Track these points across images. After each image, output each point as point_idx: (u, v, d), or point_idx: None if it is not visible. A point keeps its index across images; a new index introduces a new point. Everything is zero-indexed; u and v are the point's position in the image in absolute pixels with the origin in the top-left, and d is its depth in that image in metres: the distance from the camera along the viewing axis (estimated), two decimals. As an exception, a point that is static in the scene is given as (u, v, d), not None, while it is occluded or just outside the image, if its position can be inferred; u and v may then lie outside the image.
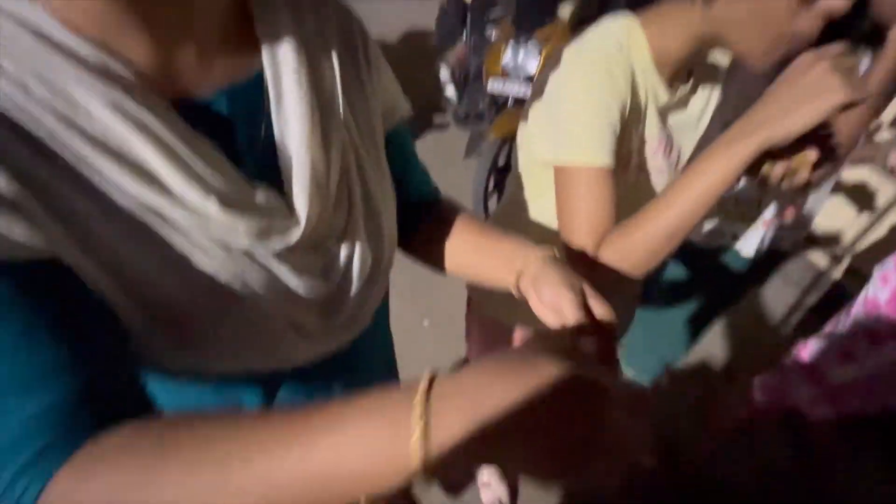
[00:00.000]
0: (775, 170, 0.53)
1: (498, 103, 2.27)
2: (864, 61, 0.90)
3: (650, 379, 1.44)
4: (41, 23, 0.27)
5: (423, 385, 0.23)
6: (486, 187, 2.08)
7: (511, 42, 2.01)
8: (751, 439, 1.54)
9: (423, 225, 0.54)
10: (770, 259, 1.20)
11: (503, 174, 2.18)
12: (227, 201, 0.31)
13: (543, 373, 0.23)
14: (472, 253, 0.52)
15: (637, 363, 1.43)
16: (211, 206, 0.31)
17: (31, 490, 0.24)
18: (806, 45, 0.50)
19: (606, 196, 0.57)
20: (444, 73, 2.67)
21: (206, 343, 0.35)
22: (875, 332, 1.18)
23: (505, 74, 2.06)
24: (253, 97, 0.35)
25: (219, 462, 0.24)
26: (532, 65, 2.00)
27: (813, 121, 0.45)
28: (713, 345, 1.85)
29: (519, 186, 0.74)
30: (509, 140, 2.04)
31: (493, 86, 2.11)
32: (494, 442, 0.23)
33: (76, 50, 0.27)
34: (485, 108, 2.37)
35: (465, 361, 1.18)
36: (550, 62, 0.62)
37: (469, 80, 2.61)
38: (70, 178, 0.28)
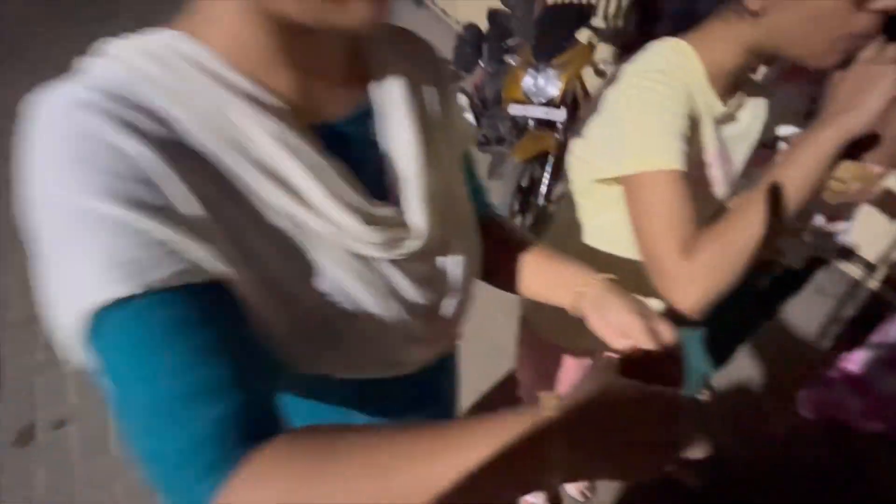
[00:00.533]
0: (849, 184, 0.55)
1: (519, 127, 2.33)
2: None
3: (689, 393, 1.42)
4: (210, 63, 0.32)
5: (550, 400, 0.29)
6: (512, 207, 2.12)
7: (530, 69, 2.08)
8: (798, 453, 1.50)
9: (489, 243, 0.56)
10: (806, 270, 1.20)
11: (527, 195, 2.23)
12: (360, 215, 0.36)
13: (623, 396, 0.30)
14: (534, 275, 0.56)
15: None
16: (348, 219, 0.35)
17: (211, 490, 0.26)
18: (867, 43, 0.51)
19: (686, 199, 0.56)
20: (463, 101, 2.76)
21: (336, 348, 0.39)
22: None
23: (525, 99, 2.13)
24: (366, 124, 0.40)
25: (382, 468, 0.27)
26: (553, 88, 2.06)
27: (880, 106, 0.48)
28: (750, 360, 1.82)
29: (572, 209, 0.76)
30: (531, 161, 2.10)
31: (515, 110, 2.17)
32: (601, 460, 0.29)
33: (238, 84, 0.32)
34: (506, 132, 2.44)
35: (513, 378, 1.18)
36: (605, 82, 0.66)
37: (488, 105, 2.69)
38: (237, 200, 0.32)
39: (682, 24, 0.62)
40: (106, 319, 0.27)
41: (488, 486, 0.27)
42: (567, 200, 0.78)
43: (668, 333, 0.42)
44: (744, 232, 0.52)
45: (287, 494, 0.26)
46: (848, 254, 2.11)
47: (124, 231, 0.27)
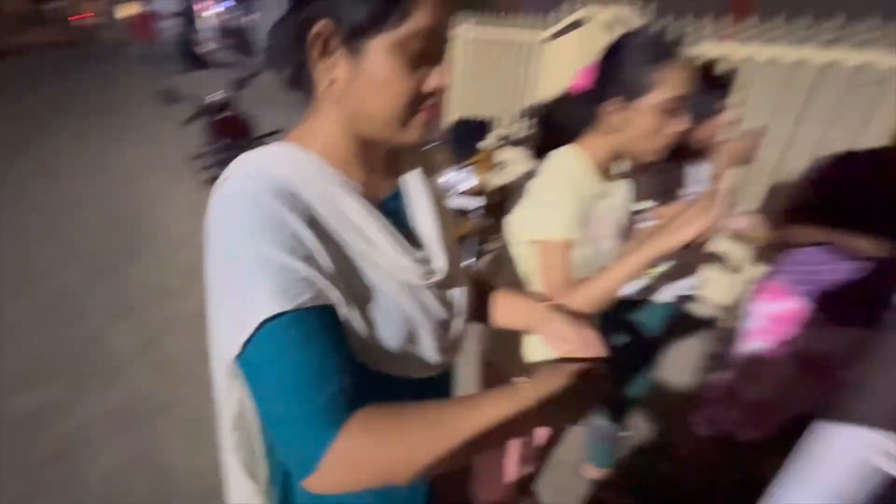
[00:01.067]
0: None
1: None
2: (704, 170, 1.39)
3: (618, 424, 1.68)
4: (321, 166, 0.52)
5: (524, 383, 0.52)
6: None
7: (451, 168, 2.52)
8: (700, 467, 1.78)
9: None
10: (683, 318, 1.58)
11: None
12: (409, 256, 0.56)
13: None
14: (501, 308, 0.81)
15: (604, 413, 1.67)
16: (402, 259, 0.55)
17: (329, 440, 0.43)
18: (675, 146, 0.89)
19: (570, 260, 0.90)
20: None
21: (392, 351, 0.55)
22: (768, 352, 1.57)
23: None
24: (399, 201, 0.62)
25: (433, 422, 0.46)
26: (470, 183, 2.49)
27: (689, 238, 0.77)
28: (654, 393, 2.16)
29: (512, 268, 1.04)
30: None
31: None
32: (553, 405, 0.51)
33: (337, 178, 0.53)
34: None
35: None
36: (530, 174, 0.97)
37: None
38: (340, 250, 0.51)
39: (570, 135, 0.97)
40: (268, 326, 0.44)
41: (493, 434, 0.47)
42: (500, 257, 1.05)
43: (594, 342, 0.68)
44: (603, 286, 0.85)
45: (379, 438, 0.44)
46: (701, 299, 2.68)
47: (286, 270, 0.45)
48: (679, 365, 2.33)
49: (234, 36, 12.72)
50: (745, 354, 1.66)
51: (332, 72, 0.49)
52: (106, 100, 7.54)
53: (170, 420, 1.88)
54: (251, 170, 0.50)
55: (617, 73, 0.86)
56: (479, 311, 0.79)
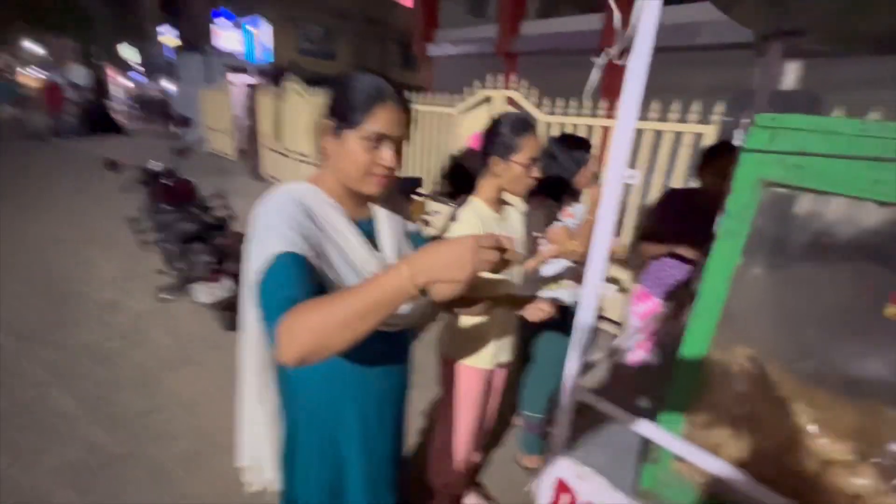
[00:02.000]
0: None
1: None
2: (579, 207, 1.92)
3: (541, 413, 2.04)
4: (326, 198, 0.86)
5: (405, 262, 0.64)
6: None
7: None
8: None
9: None
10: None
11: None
12: (374, 256, 0.88)
13: (456, 242, 0.65)
14: None
15: (531, 406, 2.04)
16: (371, 256, 0.88)
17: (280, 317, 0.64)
18: (535, 186, 1.34)
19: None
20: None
21: None
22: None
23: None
24: (370, 225, 0.94)
25: (345, 299, 0.62)
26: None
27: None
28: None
29: None
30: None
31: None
32: (439, 275, 0.63)
33: (334, 205, 0.86)
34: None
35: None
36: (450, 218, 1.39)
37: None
38: (327, 244, 0.82)
39: (472, 179, 1.42)
40: (277, 258, 0.73)
41: (388, 300, 0.63)
42: None
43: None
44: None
45: (304, 314, 0.63)
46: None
47: (293, 236, 0.75)
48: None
49: (148, 106, 12.75)
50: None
51: (327, 146, 0.86)
52: (33, 167, 7.30)
53: (127, 469, 1.94)
54: (285, 192, 0.84)
55: (496, 139, 1.33)
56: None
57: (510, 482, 2.02)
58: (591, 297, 0.76)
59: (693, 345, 0.66)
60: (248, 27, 15.54)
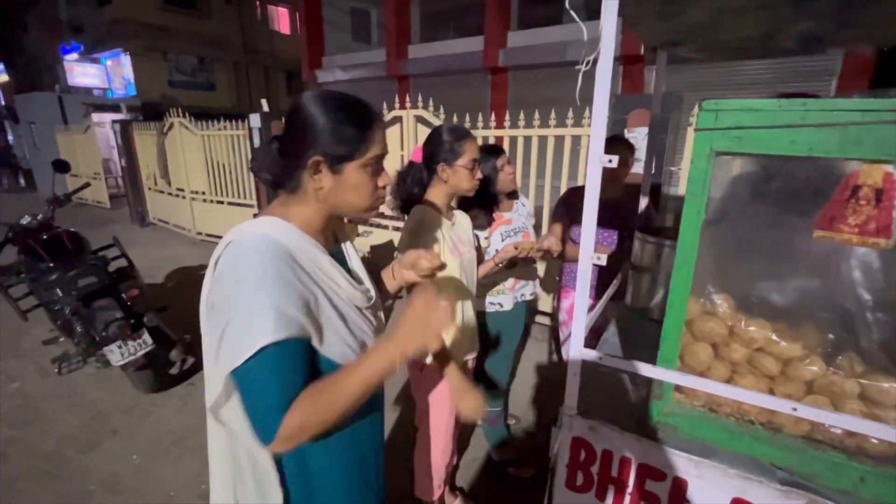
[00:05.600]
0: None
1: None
2: (519, 205, 2.09)
3: (499, 406, 2.15)
4: (299, 234, 0.76)
5: (389, 339, 0.73)
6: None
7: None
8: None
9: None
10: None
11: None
12: (356, 288, 0.83)
13: (413, 307, 0.75)
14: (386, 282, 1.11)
15: (488, 401, 2.14)
16: (354, 289, 0.82)
17: (281, 418, 0.64)
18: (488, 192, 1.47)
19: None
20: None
21: (348, 349, 0.78)
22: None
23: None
24: (340, 253, 0.90)
25: (338, 393, 0.68)
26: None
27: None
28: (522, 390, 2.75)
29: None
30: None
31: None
32: (418, 340, 0.73)
33: (309, 240, 0.77)
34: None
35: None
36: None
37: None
38: (317, 292, 0.74)
39: (421, 189, 1.50)
40: (264, 350, 0.65)
41: (381, 378, 0.71)
42: None
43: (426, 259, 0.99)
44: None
45: (307, 413, 0.66)
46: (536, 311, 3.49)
47: (282, 314, 0.66)
48: (526, 363, 3.02)
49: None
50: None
51: (320, 183, 0.76)
52: None
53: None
54: (258, 236, 0.73)
55: (439, 148, 1.43)
56: (384, 295, 1.09)
57: (486, 479, 2.09)
58: (585, 277, 0.88)
59: (676, 291, 0.81)
60: (108, 61, 13.93)
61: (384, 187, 0.82)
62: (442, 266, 1.01)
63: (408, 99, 4.14)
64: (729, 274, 0.84)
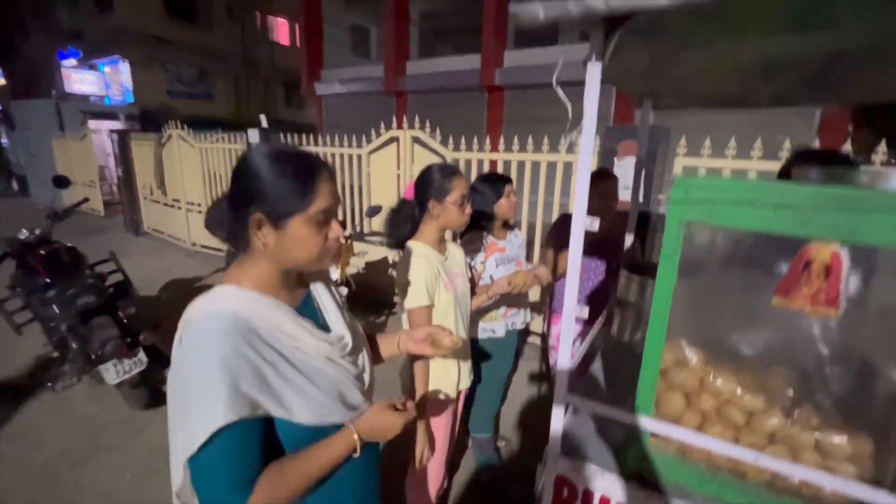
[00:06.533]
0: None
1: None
2: (513, 236, 2.16)
3: (489, 432, 2.20)
4: (259, 297, 0.76)
5: (353, 427, 0.82)
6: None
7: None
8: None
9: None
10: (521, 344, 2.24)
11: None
12: (325, 342, 0.80)
13: (385, 416, 0.85)
14: (382, 348, 1.13)
15: (479, 428, 2.20)
16: (321, 343, 0.79)
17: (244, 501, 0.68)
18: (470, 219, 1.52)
19: (431, 317, 1.43)
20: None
21: (327, 404, 0.79)
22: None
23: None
24: (311, 304, 0.87)
25: (300, 475, 0.74)
26: (333, 274, 2.90)
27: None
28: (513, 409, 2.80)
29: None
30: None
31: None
32: (377, 437, 0.85)
33: (269, 302, 0.76)
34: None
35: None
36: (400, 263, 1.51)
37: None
38: (278, 362, 0.73)
39: (413, 225, 1.56)
40: (219, 435, 0.65)
41: (342, 458, 0.78)
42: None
43: (445, 336, 1.05)
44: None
45: (272, 495, 0.70)
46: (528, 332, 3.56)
47: (232, 395, 0.66)
48: (517, 383, 3.07)
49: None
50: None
51: (265, 239, 0.75)
52: None
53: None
54: (210, 313, 0.72)
55: (430, 186, 1.49)
56: (374, 355, 1.08)
57: (476, 502, 2.13)
58: (570, 318, 0.95)
59: (651, 344, 0.88)
60: (106, 68, 13.98)
61: (336, 239, 0.80)
62: (457, 343, 1.04)
63: (405, 119, 4.23)
64: (701, 329, 0.92)
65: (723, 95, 1.42)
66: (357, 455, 0.81)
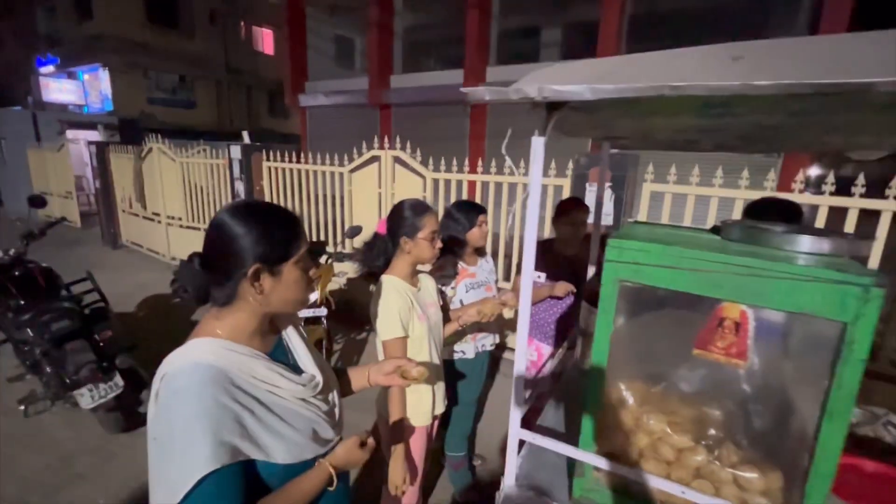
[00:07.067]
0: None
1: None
2: (483, 263, 2.25)
3: (463, 451, 2.27)
4: (237, 348, 0.82)
5: (327, 463, 0.90)
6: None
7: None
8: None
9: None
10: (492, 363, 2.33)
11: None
12: (299, 384, 0.88)
13: (354, 453, 0.94)
14: (353, 380, 1.21)
15: (454, 447, 2.26)
16: (294, 386, 0.87)
17: None
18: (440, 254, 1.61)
19: (405, 348, 1.51)
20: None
21: (299, 443, 0.85)
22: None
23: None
24: (283, 348, 0.95)
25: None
26: (313, 295, 2.95)
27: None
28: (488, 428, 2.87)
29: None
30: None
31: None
32: (347, 467, 0.94)
33: (245, 352, 0.82)
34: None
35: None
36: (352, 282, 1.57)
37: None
38: (257, 409, 0.80)
39: (387, 258, 1.63)
40: (204, 482, 0.69)
41: (318, 491, 0.86)
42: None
43: (412, 367, 1.16)
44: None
45: None
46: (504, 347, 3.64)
47: (215, 444, 0.71)
48: (493, 401, 3.15)
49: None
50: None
51: (261, 288, 0.82)
52: None
53: None
54: (190, 364, 0.77)
55: (402, 223, 1.57)
56: (345, 389, 1.20)
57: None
58: (522, 349, 1.03)
59: (593, 386, 0.97)
60: (85, 76, 13.77)
61: (317, 277, 0.91)
62: (424, 374, 1.15)
63: (389, 135, 4.32)
64: (637, 372, 1.01)
65: (671, 143, 1.54)
66: (333, 488, 0.88)
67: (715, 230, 1.10)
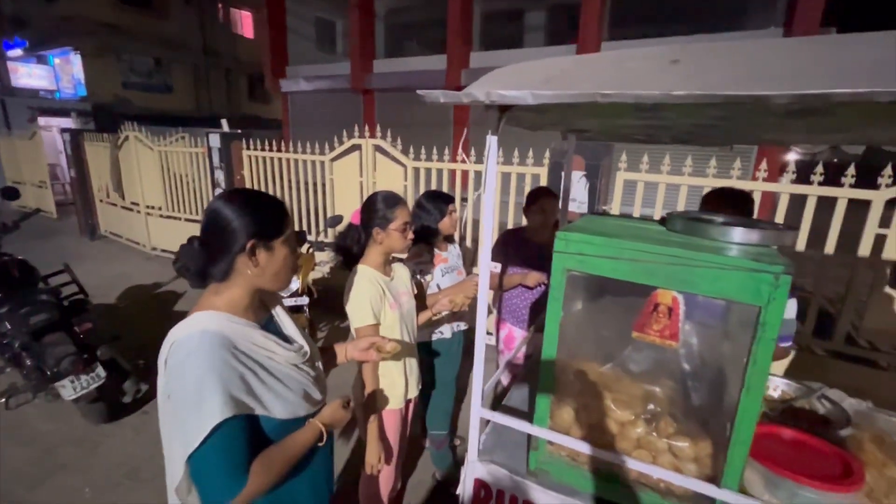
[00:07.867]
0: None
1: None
2: (453, 248, 2.33)
3: (445, 430, 2.37)
4: (235, 319, 0.93)
5: (318, 421, 1.03)
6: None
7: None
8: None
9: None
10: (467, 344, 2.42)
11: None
12: (291, 350, 1.01)
13: (338, 412, 1.07)
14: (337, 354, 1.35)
15: (435, 425, 2.36)
16: (288, 351, 1.00)
17: (236, 491, 0.83)
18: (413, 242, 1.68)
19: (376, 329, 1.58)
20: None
21: (295, 402, 0.98)
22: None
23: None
24: (273, 321, 1.06)
25: (282, 460, 0.92)
26: (294, 284, 2.99)
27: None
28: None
29: None
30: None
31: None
32: (334, 424, 1.06)
33: (243, 321, 0.94)
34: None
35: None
36: (348, 282, 1.64)
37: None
38: (257, 369, 0.92)
39: (361, 248, 1.69)
40: (219, 429, 0.81)
41: (311, 445, 0.98)
42: None
43: (386, 343, 1.31)
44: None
45: (259, 481, 0.86)
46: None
47: (227, 397, 0.82)
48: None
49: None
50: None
51: (257, 261, 0.92)
52: None
53: None
54: (198, 331, 0.87)
55: (374, 214, 1.62)
56: (331, 362, 1.35)
57: (432, 501, 2.29)
58: (482, 333, 1.11)
59: (545, 369, 1.05)
60: (56, 60, 13.27)
61: (300, 256, 0.98)
62: (396, 348, 1.29)
63: (373, 119, 4.32)
64: (586, 354, 1.09)
65: (630, 136, 1.61)
66: (323, 443, 1.00)
67: (662, 221, 1.18)
